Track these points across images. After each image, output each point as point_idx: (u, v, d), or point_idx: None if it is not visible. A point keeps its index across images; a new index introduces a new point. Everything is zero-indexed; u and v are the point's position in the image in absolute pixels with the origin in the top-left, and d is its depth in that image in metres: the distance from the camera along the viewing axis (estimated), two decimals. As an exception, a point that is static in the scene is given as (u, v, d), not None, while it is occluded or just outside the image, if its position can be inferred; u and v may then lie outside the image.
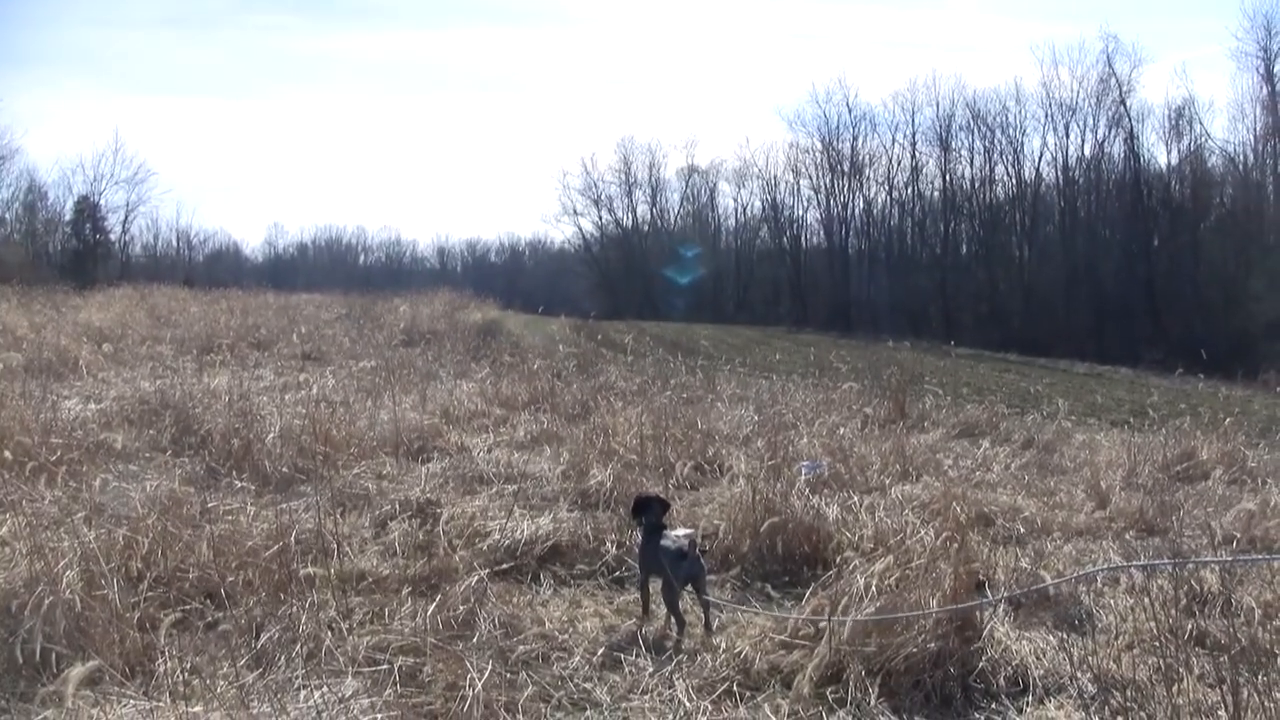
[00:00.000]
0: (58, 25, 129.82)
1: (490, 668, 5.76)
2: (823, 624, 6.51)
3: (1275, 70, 64.68)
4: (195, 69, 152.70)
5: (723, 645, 6.65)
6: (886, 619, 6.38)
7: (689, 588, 7.18)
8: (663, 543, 7.13)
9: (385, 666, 5.84)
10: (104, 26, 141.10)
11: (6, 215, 73.06)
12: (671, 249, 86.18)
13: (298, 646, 6.11)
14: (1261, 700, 4.76)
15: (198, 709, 5.03)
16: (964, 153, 77.17)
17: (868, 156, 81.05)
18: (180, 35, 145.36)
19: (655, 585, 7.24)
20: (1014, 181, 76.11)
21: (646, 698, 5.97)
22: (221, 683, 5.45)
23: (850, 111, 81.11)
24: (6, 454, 9.28)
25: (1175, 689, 5.46)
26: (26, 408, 11.55)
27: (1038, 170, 74.74)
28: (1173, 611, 6.75)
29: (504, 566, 8.03)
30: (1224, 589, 7.60)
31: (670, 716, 5.66)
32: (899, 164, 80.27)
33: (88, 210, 74.86)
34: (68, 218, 75.95)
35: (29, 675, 5.66)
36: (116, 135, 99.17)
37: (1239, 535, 9.60)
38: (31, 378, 15.36)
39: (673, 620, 7.03)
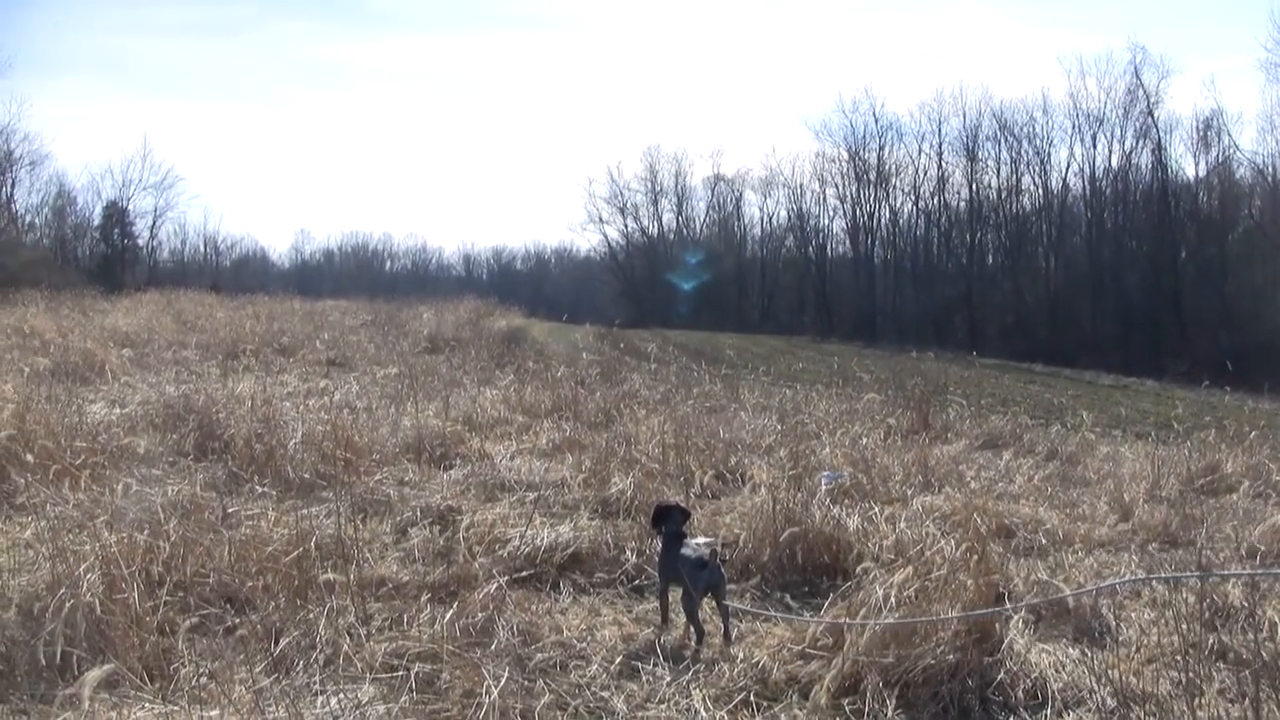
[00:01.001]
0: (86, 31, 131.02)
1: (507, 675, 5.75)
2: (841, 635, 6.50)
3: (1305, 81, 64.36)
4: (223, 75, 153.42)
5: (740, 655, 6.63)
6: (907, 623, 6.36)
7: (708, 596, 7.18)
8: (683, 551, 7.13)
9: (402, 673, 5.86)
10: (132, 32, 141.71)
11: (36, 220, 73.59)
12: (708, 257, 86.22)
13: (316, 652, 6.14)
14: (1281, 716, 4.73)
15: (214, 713, 5.05)
16: (990, 163, 77.24)
17: (894, 166, 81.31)
18: (208, 41, 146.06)
19: (675, 594, 7.23)
20: (1040, 192, 76.18)
21: (663, 707, 5.97)
22: (239, 687, 5.46)
23: (877, 121, 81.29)
24: (29, 457, 9.34)
25: (1196, 704, 5.43)
26: (52, 411, 11.60)
27: (1064, 181, 74.84)
28: (1195, 625, 6.72)
29: (523, 574, 8.02)
30: (1247, 603, 7.55)
31: (686, 726, 5.65)
32: (925, 174, 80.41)
33: (116, 216, 75.35)
34: (96, 223, 76.55)
35: (49, 678, 5.68)
36: (145, 141, 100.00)
37: (1263, 549, 9.54)
38: (58, 382, 15.46)
39: (692, 629, 7.01)
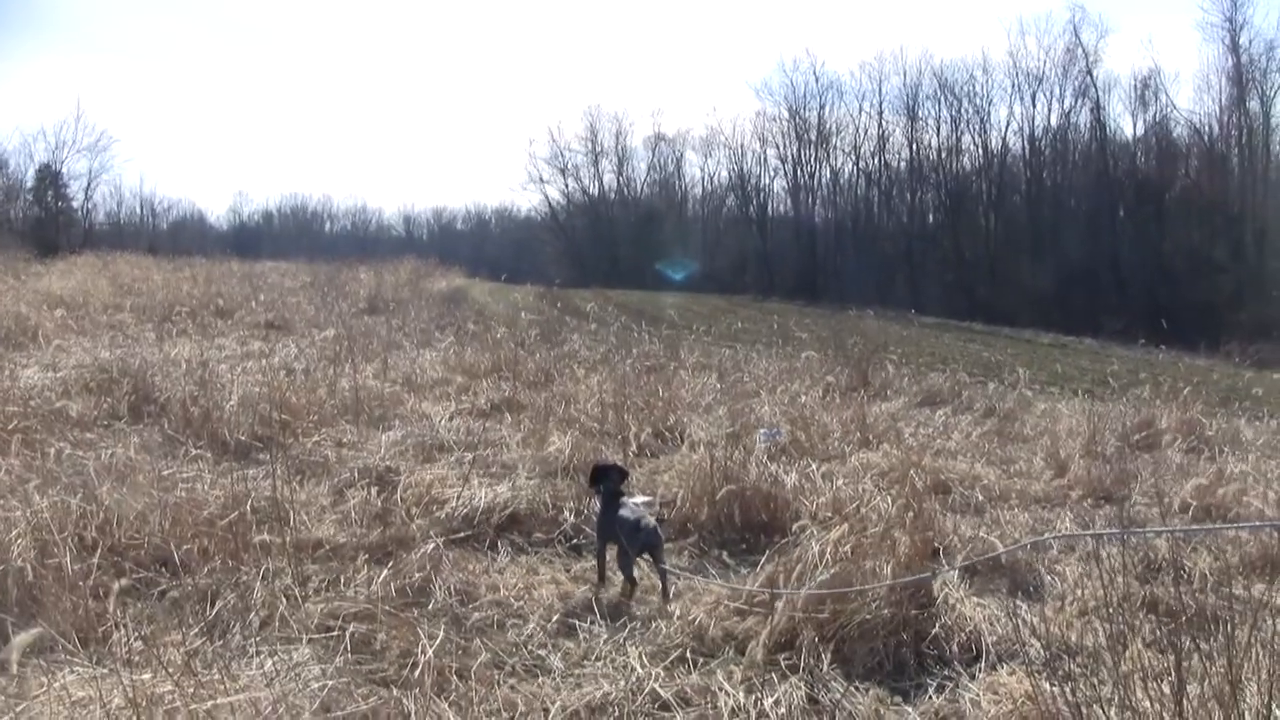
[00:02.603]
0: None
1: (444, 634, 5.78)
2: (776, 591, 6.54)
3: (1240, 41, 64.98)
4: (158, 35, 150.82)
5: (677, 612, 6.67)
6: (839, 592, 6.40)
7: (646, 556, 7.20)
8: (621, 512, 7.14)
9: (338, 633, 5.86)
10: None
11: (-35, 184, 72.44)
12: (649, 218, 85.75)
13: (251, 614, 6.13)
14: (1205, 666, 4.79)
15: (146, 676, 5.01)
16: (931, 122, 77.40)
17: (835, 125, 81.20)
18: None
19: (612, 552, 7.25)
20: (980, 151, 76.44)
21: (600, 664, 5.99)
22: (172, 650, 5.42)
23: (817, 80, 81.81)
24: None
25: (1124, 655, 5.50)
26: (-18, 376, 11.48)
27: (1004, 140, 75.08)
28: (1124, 579, 6.80)
29: (461, 534, 8.03)
30: (1175, 556, 7.67)
31: (623, 682, 5.66)
32: (866, 133, 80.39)
33: (49, 178, 74.13)
34: (29, 186, 75.33)
35: (-22, 644, 5.63)
36: (78, 103, 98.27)
37: (1194, 503, 9.67)
38: (-11, 346, 15.29)
39: (625, 582, 7.05)
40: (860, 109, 79.98)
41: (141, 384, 12.19)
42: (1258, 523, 8.96)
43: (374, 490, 8.82)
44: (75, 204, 77.42)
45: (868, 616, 6.25)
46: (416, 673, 5.44)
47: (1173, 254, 63.58)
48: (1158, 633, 6.21)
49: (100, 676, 5.08)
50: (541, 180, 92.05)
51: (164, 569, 6.83)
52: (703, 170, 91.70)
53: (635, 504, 7.33)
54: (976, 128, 75.80)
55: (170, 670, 5.06)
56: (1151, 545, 7.91)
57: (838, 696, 5.73)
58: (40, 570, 6.19)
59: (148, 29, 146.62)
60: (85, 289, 26.05)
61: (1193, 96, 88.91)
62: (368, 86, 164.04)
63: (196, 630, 5.81)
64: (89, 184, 77.06)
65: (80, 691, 4.99)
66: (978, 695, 5.75)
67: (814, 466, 9.55)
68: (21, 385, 11.89)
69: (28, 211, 74.22)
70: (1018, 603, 6.90)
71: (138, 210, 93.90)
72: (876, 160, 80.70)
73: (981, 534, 8.29)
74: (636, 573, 7.10)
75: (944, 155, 77.63)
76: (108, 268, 33.66)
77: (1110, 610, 6.12)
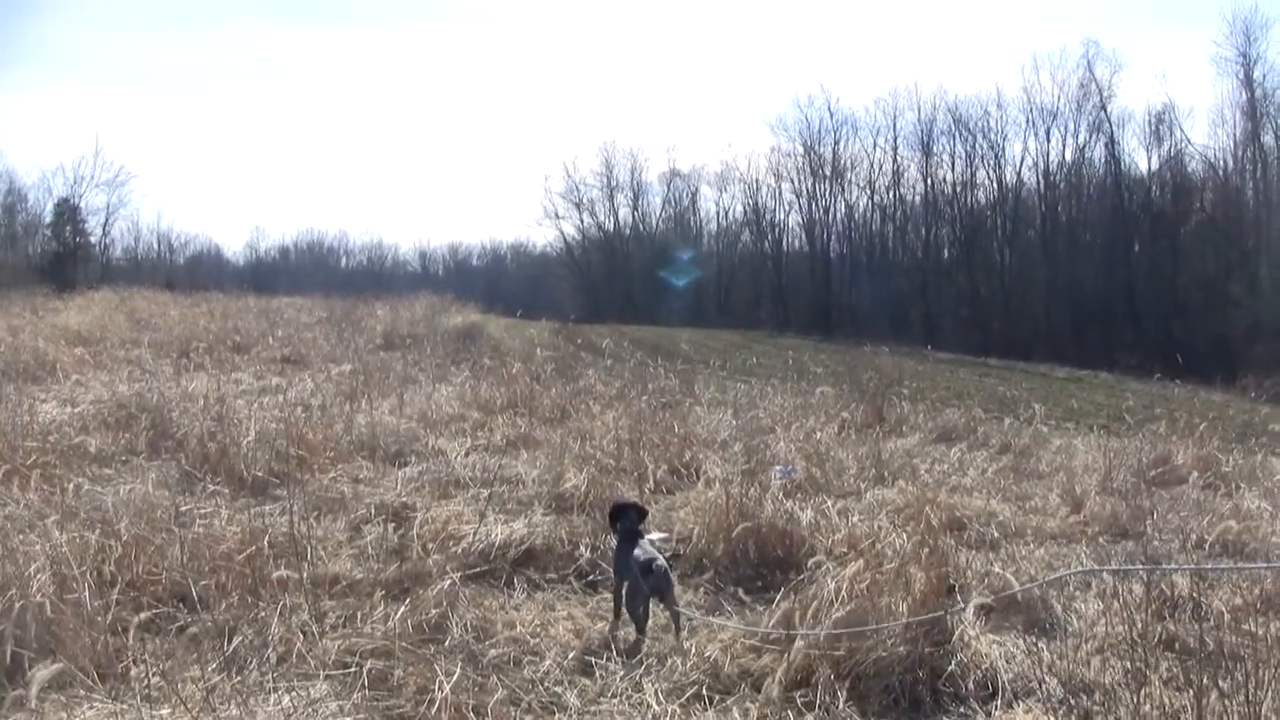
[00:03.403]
0: (38, 25, 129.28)
1: (460, 671, 5.78)
2: (793, 627, 6.54)
3: (1254, 75, 65.11)
4: (176, 71, 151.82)
5: (693, 649, 6.65)
6: (854, 631, 6.39)
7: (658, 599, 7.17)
8: (635, 553, 7.12)
9: (355, 670, 5.87)
10: (85, 26, 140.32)
11: (-14, 218, 72.93)
12: (664, 252, 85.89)
13: (269, 650, 6.14)
14: (1225, 704, 4.78)
15: (165, 712, 5.04)
16: (945, 157, 77.77)
17: (849, 160, 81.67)
18: (161, 36, 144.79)
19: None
20: (995, 186, 76.65)
21: (616, 701, 5.99)
22: (190, 686, 5.45)
23: (832, 116, 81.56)
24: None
25: (1142, 693, 5.49)
26: (1, 411, 11.52)
27: (1019, 175, 75.33)
28: (1142, 616, 6.78)
29: (477, 570, 8.02)
30: (1194, 593, 7.64)
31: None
32: (880, 168, 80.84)
33: (68, 213, 74.59)
34: (47, 220, 75.77)
35: (-2, 679, 5.65)
36: (96, 138, 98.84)
37: (1211, 539, 9.64)
38: (8, 381, 15.33)
39: (634, 623, 7.03)
40: (875, 144, 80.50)
41: (159, 419, 12.25)
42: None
43: (390, 526, 8.84)
44: (93, 239, 78.11)
45: (883, 653, 6.24)
46: (433, 710, 5.45)
47: (1188, 288, 63.61)
48: (1175, 670, 6.21)
49: (119, 712, 5.11)
50: (557, 216, 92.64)
51: (182, 604, 6.84)
52: (717, 205, 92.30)
53: (651, 540, 7.33)
54: (991, 163, 76.17)
55: (189, 705, 5.10)
56: (1168, 582, 7.88)
57: (854, 734, 5.73)
58: (59, 605, 6.20)
59: (166, 65, 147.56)
60: (103, 324, 26.15)
61: (1207, 131, 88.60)
62: (384, 123, 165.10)
63: (215, 666, 5.84)
64: (107, 219, 77.76)
65: (99, 727, 5.02)
66: (994, 733, 5.74)
67: (829, 503, 9.53)
68: (40, 420, 11.96)
69: (46, 246, 74.66)
70: (1034, 640, 6.89)
71: (155, 245, 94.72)
72: (891, 195, 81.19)
73: (997, 570, 8.26)
74: (651, 608, 7.09)
75: (958, 190, 77.83)
76: (125, 303, 33.81)
77: (1129, 648, 6.11)
